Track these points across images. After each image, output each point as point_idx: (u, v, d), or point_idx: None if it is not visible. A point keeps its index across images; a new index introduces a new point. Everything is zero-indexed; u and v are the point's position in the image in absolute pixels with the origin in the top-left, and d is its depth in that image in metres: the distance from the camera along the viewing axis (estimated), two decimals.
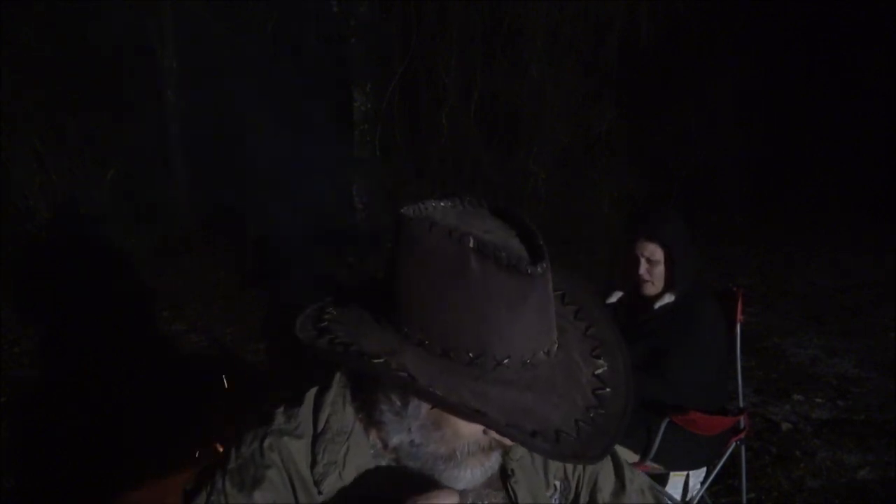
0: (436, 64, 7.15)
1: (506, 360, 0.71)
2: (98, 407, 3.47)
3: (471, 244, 0.69)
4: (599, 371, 0.80)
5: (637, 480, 1.00)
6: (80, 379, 3.86)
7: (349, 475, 0.82)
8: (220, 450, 2.18)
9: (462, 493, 0.86)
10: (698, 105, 8.46)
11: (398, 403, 0.78)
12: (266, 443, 0.83)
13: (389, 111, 7.35)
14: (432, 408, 0.75)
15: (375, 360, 0.71)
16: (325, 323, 0.78)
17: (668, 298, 2.31)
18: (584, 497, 0.98)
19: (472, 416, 0.69)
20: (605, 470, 1.00)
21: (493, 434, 0.78)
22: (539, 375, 0.73)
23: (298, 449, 0.83)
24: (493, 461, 0.82)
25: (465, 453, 0.79)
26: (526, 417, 0.70)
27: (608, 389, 0.78)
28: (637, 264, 2.31)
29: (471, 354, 0.70)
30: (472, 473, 0.80)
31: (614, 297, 2.50)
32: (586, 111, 7.43)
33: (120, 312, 4.77)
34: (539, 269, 0.70)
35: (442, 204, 0.78)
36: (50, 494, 2.84)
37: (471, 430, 0.77)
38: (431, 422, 0.77)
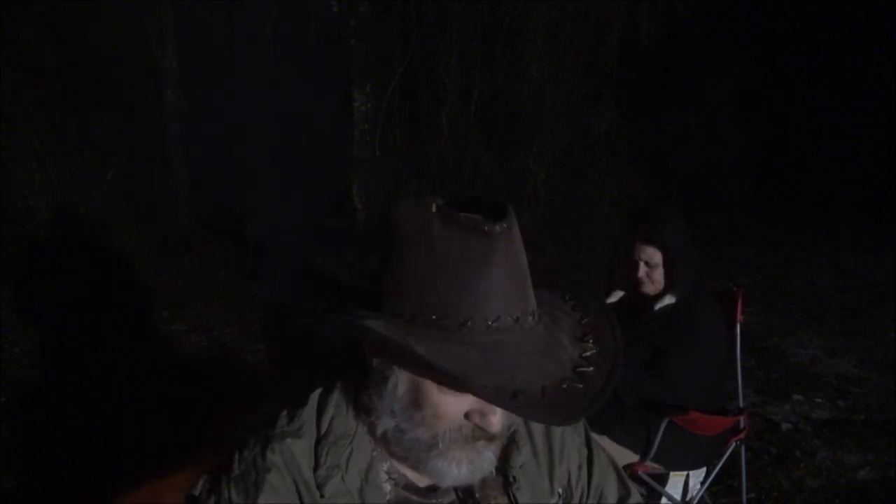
0: (436, 64, 7.15)
1: (469, 321, 0.71)
2: (98, 407, 3.47)
3: (433, 209, 0.71)
4: (587, 353, 0.79)
5: (636, 495, 1.01)
6: (80, 379, 3.86)
7: (352, 479, 0.82)
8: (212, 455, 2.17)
9: (467, 490, 0.86)
10: (698, 105, 8.45)
11: (380, 383, 0.79)
12: (269, 447, 0.83)
13: (389, 111, 7.35)
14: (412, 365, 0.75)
15: (345, 317, 0.73)
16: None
17: (669, 299, 2.31)
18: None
19: (421, 363, 0.69)
20: (610, 480, 1.00)
21: (475, 419, 0.77)
22: (505, 341, 0.72)
23: (301, 450, 0.83)
24: (485, 461, 0.81)
25: (447, 441, 0.78)
26: (482, 374, 0.69)
27: (591, 369, 0.76)
28: (636, 267, 2.31)
29: (433, 316, 0.71)
30: (458, 469, 0.79)
31: (615, 297, 2.50)
32: (586, 111, 7.42)
33: (120, 312, 4.77)
34: (498, 228, 0.70)
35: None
36: (50, 494, 2.84)
37: (450, 411, 0.77)
38: (410, 402, 0.77)
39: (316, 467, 0.82)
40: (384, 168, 7.37)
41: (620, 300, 2.49)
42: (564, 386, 0.72)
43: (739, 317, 2.46)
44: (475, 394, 0.69)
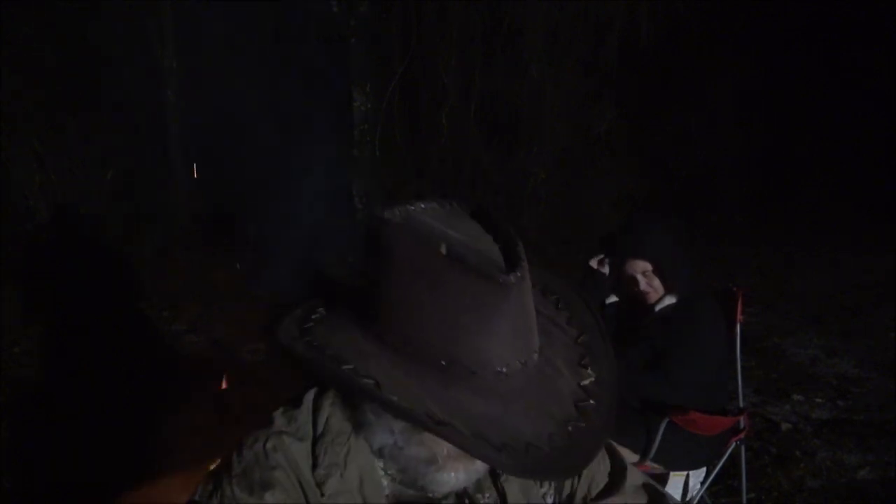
0: (436, 64, 7.15)
1: (478, 370, 0.69)
2: (98, 407, 3.47)
3: (442, 250, 0.68)
4: (585, 382, 0.78)
5: (633, 475, 0.98)
6: (80, 379, 3.86)
7: (351, 476, 0.82)
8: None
9: (450, 495, 0.86)
10: (698, 105, 8.45)
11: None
12: (269, 445, 0.82)
13: (389, 111, 7.35)
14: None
15: (345, 367, 0.70)
16: (311, 323, 0.78)
17: (669, 300, 2.31)
18: (580, 493, 0.96)
19: (434, 428, 0.67)
20: (603, 464, 0.98)
21: None
22: (513, 386, 0.71)
23: (300, 452, 0.82)
24: (479, 466, 0.80)
25: (445, 456, 0.77)
26: (493, 428, 0.68)
27: (591, 402, 0.75)
28: (635, 282, 2.31)
29: (442, 362, 0.69)
30: (457, 477, 0.79)
31: (614, 297, 2.50)
32: (586, 111, 7.43)
33: (120, 312, 4.77)
34: (511, 279, 0.68)
35: (423, 206, 0.77)
36: (50, 494, 2.84)
37: None
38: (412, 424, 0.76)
39: (315, 467, 0.81)
40: (384, 168, 7.37)
41: (620, 301, 2.49)
42: (570, 428, 0.72)
43: (739, 317, 2.46)
44: (486, 461, 0.69)
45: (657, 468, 2.29)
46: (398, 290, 0.71)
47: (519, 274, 0.69)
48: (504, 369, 0.71)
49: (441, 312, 0.69)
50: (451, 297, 0.68)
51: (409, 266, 0.70)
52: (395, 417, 0.74)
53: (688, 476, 2.36)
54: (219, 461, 0.86)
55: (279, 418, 0.85)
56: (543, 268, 0.78)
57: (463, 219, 0.78)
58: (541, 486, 0.94)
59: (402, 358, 0.71)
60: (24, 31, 5.77)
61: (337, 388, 0.84)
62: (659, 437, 2.19)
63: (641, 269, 2.29)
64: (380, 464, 0.85)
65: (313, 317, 0.79)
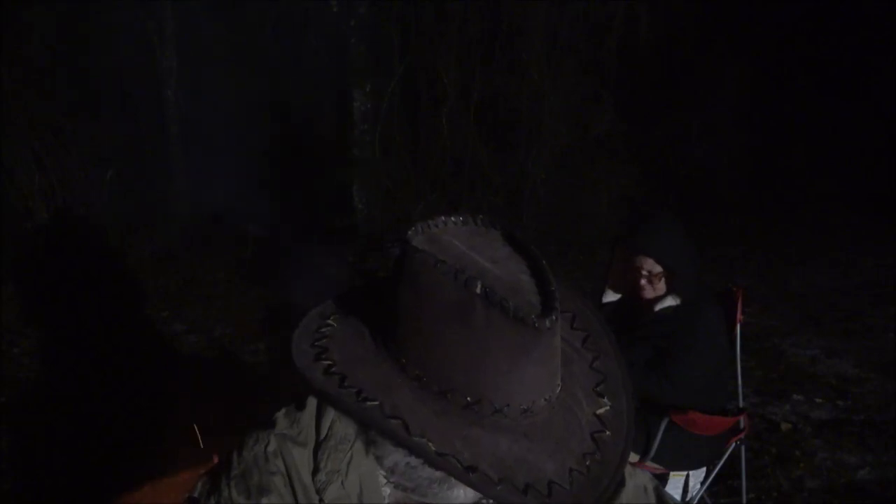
0: (436, 64, 7.15)
1: (504, 408, 0.69)
2: (98, 407, 3.47)
3: (477, 290, 0.66)
4: (601, 411, 0.77)
5: (638, 477, 0.96)
6: (80, 379, 3.86)
7: (352, 484, 0.81)
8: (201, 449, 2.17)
9: None
10: (697, 106, 8.45)
11: None
12: (270, 448, 0.81)
13: (389, 111, 7.35)
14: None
15: (370, 403, 0.69)
16: (325, 339, 0.76)
17: (672, 301, 2.30)
18: None
19: (463, 476, 0.67)
20: None
21: None
22: (536, 423, 0.71)
23: (301, 456, 0.82)
24: None
25: None
26: (519, 469, 0.68)
27: (608, 433, 0.75)
28: (638, 275, 2.31)
29: (468, 399, 0.69)
30: (466, 494, 0.78)
31: (614, 297, 2.50)
32: (585, 112, 7.43)
33: (120, 313, 4.77)
34: (547, 323, 0.67)
35: (452, 220, 0.76)
36: (50, 494, 2.84)
37: None
38: None
39: (315, 472, 0.81)
40: (384, 168, 7.38)
41: (621, 299, 2.49)
42: (587, 463, 0.72)
43: (739, 317, 2.46)
44: None
45: (657, 468, 2.29)
46: (427, 324, 0.69)
47: (554, 318, 0.68)
48: (529, 408, 0.70)
49: (471, 351, 0.68)
50: (482, 338, 0.67)
51: (440, 301, 0.68)
52: (425, 463, 0.73)
53: (688, 476, 2.36)
54: (219, 460, 0.85)
55: (282, 420, 0.84)
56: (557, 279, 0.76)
57: (489, 238, 0.77)
58: None
59: (425, 392, 0.70)
60: (24, 31, 5.77)
61: (360, 424, 0.81)
62: (659, 437, 2.19)
63: (649, 266, 2.28)
64: (381, 472, 0.84)
65: (325, 330, 0.77)
